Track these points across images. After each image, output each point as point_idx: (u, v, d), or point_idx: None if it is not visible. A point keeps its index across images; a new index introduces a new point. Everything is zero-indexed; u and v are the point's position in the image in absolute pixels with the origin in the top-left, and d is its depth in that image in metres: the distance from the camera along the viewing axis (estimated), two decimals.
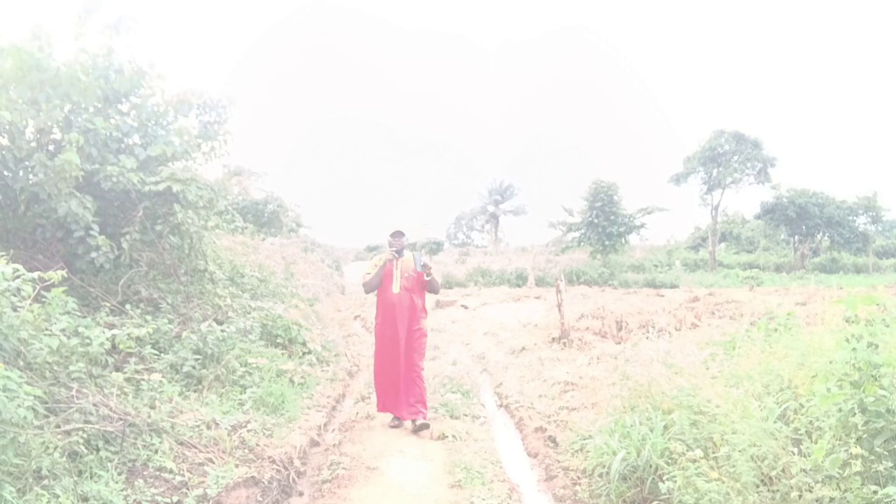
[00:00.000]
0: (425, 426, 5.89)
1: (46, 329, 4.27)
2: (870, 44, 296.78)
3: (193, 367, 5.72)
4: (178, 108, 7.21)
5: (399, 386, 6.06)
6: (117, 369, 4.94)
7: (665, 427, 4.21)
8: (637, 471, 4.11)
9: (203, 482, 4.04)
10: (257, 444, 4.77)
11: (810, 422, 3.52)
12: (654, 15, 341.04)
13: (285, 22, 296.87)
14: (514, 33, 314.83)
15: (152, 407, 4.65)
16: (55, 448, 3.65)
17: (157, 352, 5.66)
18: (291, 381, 6.74)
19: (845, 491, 2.98)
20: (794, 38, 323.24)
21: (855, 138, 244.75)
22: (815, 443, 3.22)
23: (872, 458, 2.95)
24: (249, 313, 7.81)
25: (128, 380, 4.83)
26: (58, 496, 3.39)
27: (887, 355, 3.19)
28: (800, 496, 3.13)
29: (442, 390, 7.32)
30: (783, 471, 3.32)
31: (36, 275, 4.11)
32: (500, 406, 7.22)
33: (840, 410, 3.14)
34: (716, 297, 13.61)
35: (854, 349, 3.17)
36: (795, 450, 3.36)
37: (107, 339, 4.53)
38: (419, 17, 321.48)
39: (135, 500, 3.69)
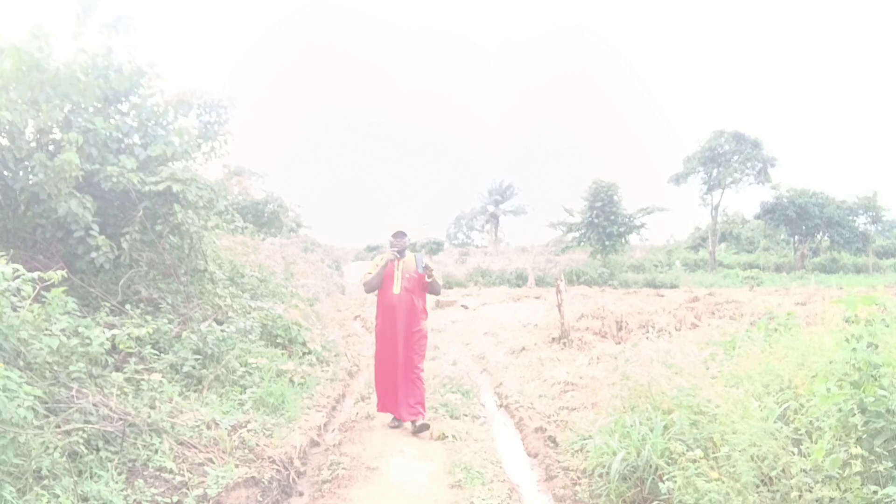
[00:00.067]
0: (425, 427, 5.89)
1: (46, 329, 4.27)
2: (870, 44, 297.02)
3: (193, 367, 5.72)
4: (178, 108, 7.21)
5: (398, 387, 6.06)
6: (117, 369, 4.94)
7: (665, 427, 4.20)
8: (637, 471, 4.11)
9: (203, 482, 4.04)
10: (257, 444, 4.77)
11: (810, 422, 3.52)
12: (654, 15, 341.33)
13: (285, 22, 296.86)
14: (514, 33, 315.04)
15: (152, 407, 4.65)
16: (55, 448, 3.65)
17: (157, 352, 5.66)
18: (291, 381, 6.74)
19: (845, 491, 2.98)
20: (794, 38, 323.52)
21: (855, 138, 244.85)
22: (815, 443, 3.22)
23: (872, 458, 2.95)
24: (249, 313, 7.81)
25: (128, 380, 4.83)
26: (58, 496, 3.39)
27: (887, 355, 3.19)
28: (800, 496, 3.13)
29: (442, 390, 7.32)
30: (783, 471, 3.32)
31: (36, 275, 4.11)
32: (500, 406, 7.22)
33: (840, 410, 3.14)
34: (716, 297, 13.61)
35: (854, 349, 3.18)
36: (795, 450, 3.36)
37: (107, 339, 4.53)
38: (419, 17, 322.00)
39: (135, 500, 3.69)
